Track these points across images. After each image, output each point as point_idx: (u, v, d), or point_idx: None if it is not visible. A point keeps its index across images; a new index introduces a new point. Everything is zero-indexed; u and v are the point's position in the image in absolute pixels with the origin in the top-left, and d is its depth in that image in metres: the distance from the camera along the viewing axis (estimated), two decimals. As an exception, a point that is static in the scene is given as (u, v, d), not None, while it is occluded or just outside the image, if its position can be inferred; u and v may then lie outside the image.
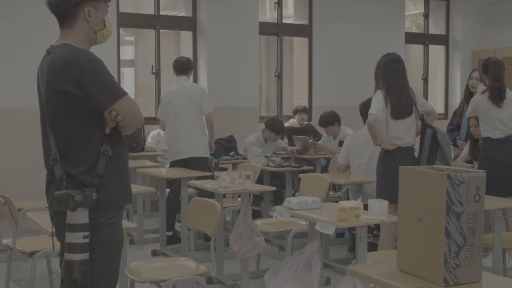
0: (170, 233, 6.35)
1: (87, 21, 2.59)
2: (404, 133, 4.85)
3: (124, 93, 2.55)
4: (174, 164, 6.49)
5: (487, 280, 2.31)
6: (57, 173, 2.53)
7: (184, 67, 6.60)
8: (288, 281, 3.79)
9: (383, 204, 3.55)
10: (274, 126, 7.43)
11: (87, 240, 2.49)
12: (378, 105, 4.80)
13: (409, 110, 4.87)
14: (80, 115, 2.51)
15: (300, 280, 3.77)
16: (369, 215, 3.53)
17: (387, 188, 4.60)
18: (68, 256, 2.49)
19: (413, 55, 11.41)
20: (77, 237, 2.47)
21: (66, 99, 2.49)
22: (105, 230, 2.56)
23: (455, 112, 6.54)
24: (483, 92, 5.51)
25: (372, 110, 4.77)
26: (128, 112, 2.55)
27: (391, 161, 4.73)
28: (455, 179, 2.20)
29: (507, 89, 5.50)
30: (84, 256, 2.49)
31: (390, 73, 4.93)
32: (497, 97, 5.39)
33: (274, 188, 5.74)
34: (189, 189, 5.94)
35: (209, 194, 5.59)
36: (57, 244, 2.69)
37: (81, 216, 2.47)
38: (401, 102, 4.85)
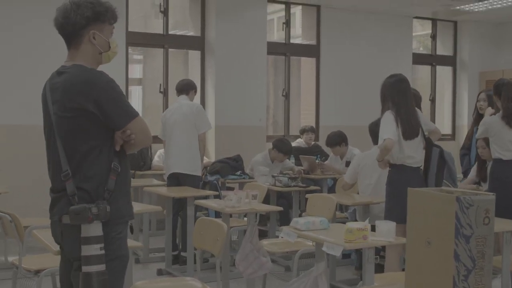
0: (175, 253, 6.32)
1: (91, 43, 2.68)
2: (415, 152, 4.89)
3: (137, 113, 2.68)
4: (169, 180, 6.50)
5: (496, 304, 2.28)
6: (69, 188, 2.59)
7: (183, 87, 6.63)
8: (295, 303, 3.75)
9: (390, 225, 3.52)
10: (281, 146, 7.42)
11: (103, 252, 2.55)
12: (392, 127, 4.80)
13: (417, 130, 4.92)
14: (94, 132, 2.61)
15: (307, 301, 3.73)
16: (376, 237, 3.50)
17: (397, 208, 4.59)
18: (85, 268, 2.54)
19: (420, 75, 11.41)
20: (93, 249, 2.53)
21: (83, 116, 2.58)
22: (115, 245, 2.64)
23: (467, 136, 6.53)
24: (492, 114, 5.49)
25: (388, 134, 4.75)
26: (140, 131, 2.66)
27: (400, 181, 4.73)
28: (464, 202, 2.18)
29: None
30: (101, 267, 2.55)
31: (400, 94, 4.95)
32: (510, 117, 5.37)
33: (280, 208, 5.72)
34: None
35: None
36: (56, 263, 2.76)
37: (96, 229, 2.55)
38: (411, 122, 4.89)
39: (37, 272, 4.15)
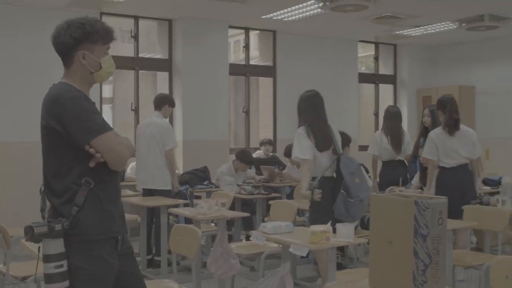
0: (149, 257, 6.25)
1: (81, 63, 2.48)
2: (328, 163, 4.83)
3: (103, 130, 2.40)
4: (143, 192, 6.43)
5: (449, 295, 2.33)
6: (40, 203, 2.46)
7: (157, 102, 6.50)
8: (264, 300, 3.75)
9: (350, 227, 3.57)
10: (244, 157, 7.46)
11: (62, 269, 2.32)
12: (307, 144, 4.78)
13: (330, 142, 4.88)
14: (63, 149, 2.40)
15: (275, 298, 3.74)
16: (337, 238, 3.54)
17: (321, 215, 4.63)
18: (47, 286, 2.34)
19: (365, 93, 11.60)
20: (49, 268, 2.31)
21: (51, 134, 2.41)
22: (84, 263, 2.39)
23: (414, 145, 6.66)
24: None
25: (306, 155, 4.74)
26: (108, 149, 2.40)
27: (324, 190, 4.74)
28: (421, 205, 2.22)
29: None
30: (62, 285, 2.33)
31: (314, 108, 4.92)
32: (452, 127, 5.53)
33: (247, 214, 5.73)
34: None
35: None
36: (40, 269, 2.49)
37: (53, 247, 2.31)
38: (323, 135, 4.86)
39: (23, 278, 4.05)
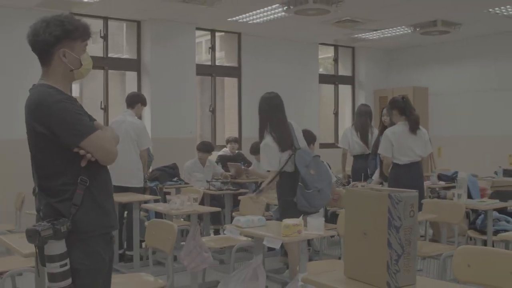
0: (121, 251, 6.18)
1: (62, 61, 2.40)
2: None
3: (91, 131, 2.36)
4: (115, 188, 6.24)
5: (419, 282, 2.38)
6: (36, 205, 2.41)
7: (130, 100, 6.40)
8: (238, 291, 3.78)
9: (320, 221, 3.62)
10: (204, 147, 7.55)
11: (66, 268, 2.31)
12: (274, 155, 4.89)
13: (290, 142, 4.95)
14: (53, 151, 2.35)
15: (249, 289, 3.77)
16: (308, 231, 3.58)
17: (290, 208, 4.80)
18: (51, 285, 2.32)
19: (325, 93, 11.72)
20: (54, 267, 2.30)
21: (38, 137, 2.35)
22: (90, 259, 2.39)
23: (374, 143, 6.77)
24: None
25: (274, 167, 4.90)
26: (97, 148, 2.37)
27: (287, 185, 4.91)
28: (394, 198, 2.28)
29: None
30: (67, 282, 2.32)
31: (275, 109, 4.98)
32: (415, 125, 5.65)
33: (219, 209, 5.72)
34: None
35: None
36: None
37: (57, 247, 2.30)
38: (284, 136, 4.93)
39: (0, 274, 3.97)
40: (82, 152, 2.34)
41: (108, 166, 6.08)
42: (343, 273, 2.48)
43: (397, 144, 5.64)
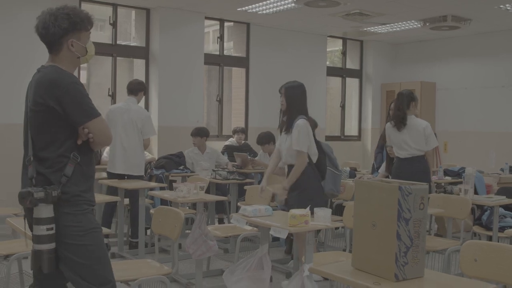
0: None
1: (70, 50, 2.61)
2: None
3: (97, 114, 2.58)
4: (110, 176, 6.17)
5: (427, 275, 2.38)
6: (29, 173, 2.56)
7: (133, 88, 6.29)
8: (243, 280, 3.77)
9: (327, 212, 3.61)
10: (199, 132, 7.53)
11: (51, 232, 2.49)
12: (308, 137, 4.73)
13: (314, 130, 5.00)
14: (57, 125, 2.54)
15: (254, 278, 3.76)
16: (315, 221, 3.57)
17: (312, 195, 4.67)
18: (37, 246, 2.49)
19: (332, 85, 11.69)
20: (41, 230, 2.47)
21: (47, 111, 2.52)
22: (84, 221, 2.56)
23: (381, 136, 6.71)
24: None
25: (304, 148, 4.67)
26: (99, 131, 2.58)
27: (309, 172, 4.73)
28: (405, 190, 2.27)
29: (413, 116, 5.71)
30: (50, 246, 2.50)
31: (305, 96, 4.92)
32: (398, 123, 5.64)
33: (226, 198, 5.71)
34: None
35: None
36: (30, 245, 2.64)
37: (45, 211, 2.47)
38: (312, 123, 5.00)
39: (6, 256, 3.97)
40: (85, 131, 2.55)
41: (115, 155, 6.05)
42: (351, 264, 2.49)
43: (392, 138, 5.68)
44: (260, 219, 3.76)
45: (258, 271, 3.80)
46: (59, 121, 2.52)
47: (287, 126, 4.85)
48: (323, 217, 3.56)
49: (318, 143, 4.84)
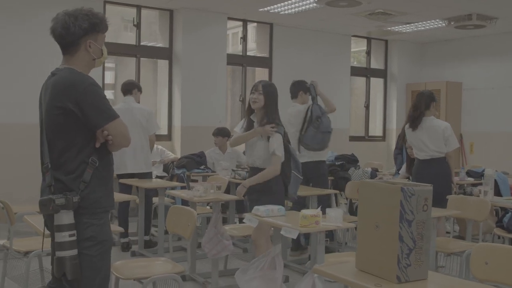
0: (146, 238, 6.24)
1: (87, 51, 2.61)
2: None
3: (116, 116, 2.56)
4: (120, 177, 6.13)
5: (431, 277, 2.34)
6: (47, 179, 2.55)
7: (127, 88, 6.36)
8: (256, 279, 3.78)
9: (338, 212, 3.58)
10: (220, 132, 7.56)
11: (73, 238, 2.48)
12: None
13: None
14: (74, 130, 2.51)
15: (266, 278, 3.76)
16: (326, 222, 3.55)
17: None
18: (59, 253, 2.49)
19: (356, 86, 11.59)
20: (63, 236, 2.47)
21: (65, 114, 2.49)
22: (95, 231, 2.55)
23: (399, 136, 6.62)
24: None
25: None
26: (118, 133, 2.56)
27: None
28: (407, 192, 2.24)
29: (432, 117, 5.62)
30: (73, 252, 2.48)
31: None
32: (412, 123, 5.57)
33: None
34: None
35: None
36: (46, 245, 2.68)
37: (66, 217, 2.47)
38: None
39: (26, 253, 4.06)
40: (105, 133, 2.53)
41: (124, 156, 6.02)
42: (355, 265, 2.46)
43: (408, 138, 5.62)
44: (272, 219, 3.75)
45: (271, 270, 3.80)
46: (77, 124, 2.50)
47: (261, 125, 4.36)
48: (334, 217, 3.54)
49: (285, 144, 4.48)
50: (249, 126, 4.48)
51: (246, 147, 4.58)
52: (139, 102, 6.46)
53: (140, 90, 6.51)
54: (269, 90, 4.45)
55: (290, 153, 4.49)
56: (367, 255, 2.40)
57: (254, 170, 4.42)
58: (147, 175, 6.30)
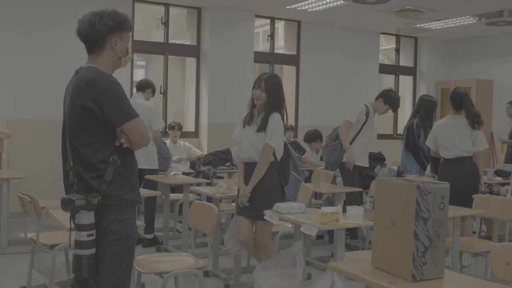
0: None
1: (113, 49, 2.62)
2: None
3: (135, 115, 2.55)
4: None
5: (447, 276, 2.31)
6: (70, 178, 2.56)
7: (141, 85, 6.40)
8: (275, 276, 3.77)
9: (359, 210, 3.56)
10: None
11: (92, 238, 2.51)
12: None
13: None
14: (95, 128, 2.52)
15: (286, 275, 3.75)
16: (347, 219, 3.53)
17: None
18: (77, 251, 2.52)
19: (385, 83, 11.45)
20: (82, 236, 2.49)
21: (85, 113, 2.49)
22: (120, 226, 2.55)
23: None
24: None
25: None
26: (136, 132, 2.56)
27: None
28: (423, 189, 2.21)
29: (460, 116, 5.52)
30: (91, 251, 2.51)
31: None
32: (473, 120, 5.45)
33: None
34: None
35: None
36: (73, 239, 2.67)
37: (86, 217, 2.49)
38: None
39: (52, 246, 4.14)
40: (123, 133, 2.52)
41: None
42: (371, 263, 2.44)
43: (440, 137, 5.52)
44: (292, 216, 3.74)
45: (291, 267, 3.79)
46: (97, 123, 2.50)
47: (262, 122, 4.35)
48: (355, 215, 3.51)
49: (284, 144, 4.47)
50: (251, 119, 4.51)
51: (241, 141, 4.50)
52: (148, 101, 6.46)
53: (153, 91, 6.53)
54: (270, 85, 4.36)
55: (290, 153, 4.46)
56: (383, 253, 2.37)
57: (251, 166, 4.29)
58: (151, 173, 6.21)
